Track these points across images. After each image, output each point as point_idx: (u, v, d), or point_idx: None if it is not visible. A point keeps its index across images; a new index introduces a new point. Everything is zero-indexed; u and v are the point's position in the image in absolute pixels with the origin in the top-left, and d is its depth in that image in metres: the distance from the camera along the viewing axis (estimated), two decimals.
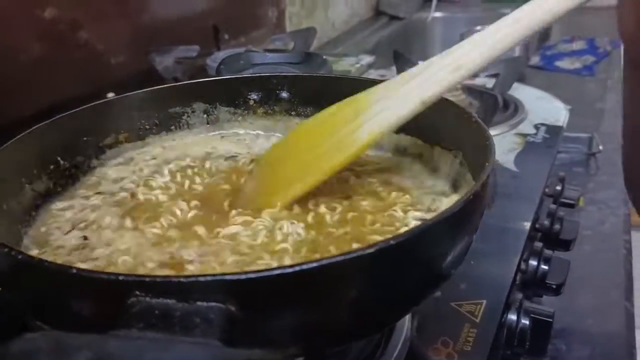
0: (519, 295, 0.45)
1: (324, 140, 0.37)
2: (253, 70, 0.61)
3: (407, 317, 0.40)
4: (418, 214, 0.36)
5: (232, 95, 0.49)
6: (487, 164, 0.31)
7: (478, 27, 1.26)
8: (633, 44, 0.33)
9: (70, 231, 0.36)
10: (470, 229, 0.30)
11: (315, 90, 0.47)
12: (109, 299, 0.23)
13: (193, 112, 0.48)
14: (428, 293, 0.31)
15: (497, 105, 0.64)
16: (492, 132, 0.66)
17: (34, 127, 0.39)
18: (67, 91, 0.71)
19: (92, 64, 0.81)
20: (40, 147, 0.39)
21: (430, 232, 0.26)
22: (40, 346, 0.20)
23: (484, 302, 0.42)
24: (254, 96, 0.49)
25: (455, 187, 0.38)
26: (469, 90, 0.69)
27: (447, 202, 0.37)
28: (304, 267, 0.24)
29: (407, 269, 0.27)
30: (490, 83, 0.78)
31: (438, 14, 1.68)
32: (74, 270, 0.24)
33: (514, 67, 0.77)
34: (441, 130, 0.41)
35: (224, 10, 1.04)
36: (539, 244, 0.50)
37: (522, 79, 0.94)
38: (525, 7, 0.32)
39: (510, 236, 0.50)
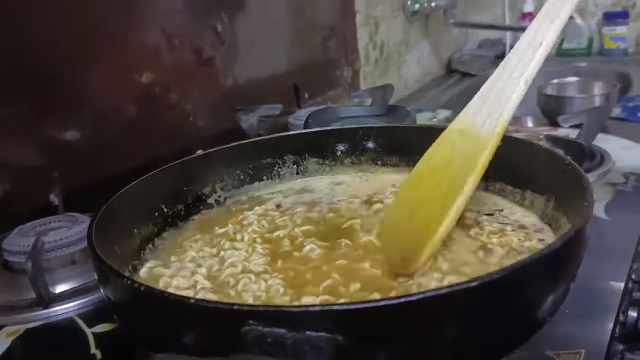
0: (620, 347, 0.43)
1: (446, 171, 0.38)
2: (339, 123, 0.63)
3: None
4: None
5: (321, 147, 0.51)
6: (586, 203, 0.31)
7: (555, 81, 1.25)
8: None
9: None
10: (569, 271, 0.30)
11: (400, 140, 0.49)
12: (224, 327, 0.24)
13: (284, 163, 0.50)
14: (524, 337, 0.30)
15: (583, 153, 0.63)
16: None
17: (141, 178, 0.42)
18: (159, 149, 0.76)
19: (181, 124, 0.87)
20: (146, 195, 0.42)
21: (529, 269, 0.27)
22: None
23: (583, 351, 0.41)
24: (341, 147, 0.51)
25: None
26: (553, 139, 0.69)
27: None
28: (407, 299, 0.24)
29: (504, 307, 0.27)
30: (573, 134, 0.77)
31: None
32: (193, 301, 0.25)
33: (597, 116, 0.76)
34: (533, 175, 0.41)
35: (303, 71, 1.09)
36: (638, 294, 0.48)
37: (605, 131, 0.91)
38: None
39: (607, 286, 0.48)
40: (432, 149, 0.40)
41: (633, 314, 0.46)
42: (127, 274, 0.37)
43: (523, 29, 1.48)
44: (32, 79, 0.66)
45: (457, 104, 1.37)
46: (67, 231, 0.53)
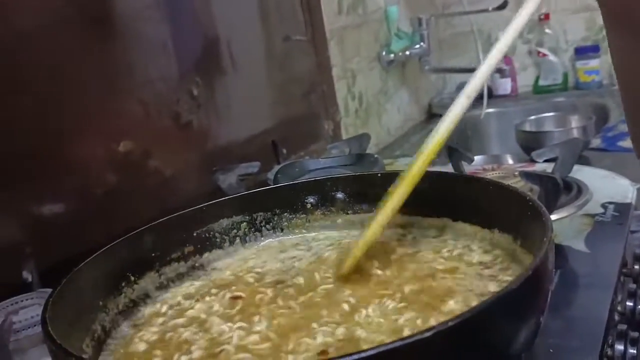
0: None
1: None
2: (309, 176, 0.63)
3: None
4: None
5: (290, 201, 0.50)
6: (545, 239, 0.30)
7: (532, 117, 1.27)
8: None
9: None
10: (535, 307, 0.29)
11: (368, 187, 0.49)
12: None
13: (254, 221, 0.50)
14: None
15: (558, 187, 0.63)
16: (558, 215, 0.65)
17: (102, 249, 0.41)
18: (139, 216, 0.75)
19: (161, 189, 0.87)
20: (111, 266, 0.42)
21: (493, 309, 0.26)
22: None
23: None
24: (311, 200, 0.50)
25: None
26: (527, 175, 0.69)
27: None
28: (372, 352, 0.23)
29: (470, 351, 0.26)
30: (549, 168, 0.77)
31: (491, 110, 1.70)
32: None
33: (571, 148, 0.76)
34: (499, 214, 0.41)
35: (283, 127, 1.10)
36: (623, 327, 0.47)
37: (585, 162, 0.92)
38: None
39: (591, 318, 0.47)
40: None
41: (620, 347, 0.45)
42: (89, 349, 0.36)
43: (497, 71, 1.50)
44: (8, 151, 0.66)
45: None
46: (39, 308, 0.52)
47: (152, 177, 0.86)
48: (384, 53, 1.47)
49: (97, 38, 0.78)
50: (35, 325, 0.50)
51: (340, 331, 0.35)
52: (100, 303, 0.40)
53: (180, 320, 0.40)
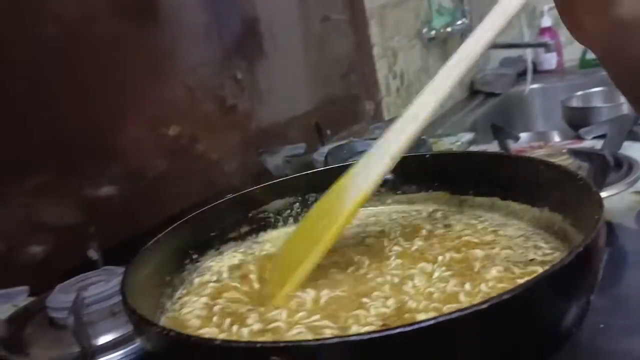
0: None
1: (319, 221, 0.41)
2: (357, 157, 0.64)
3: None
4: None
5: None
6: (596, 216, 0.31)
7: (579, 93, 1.24)
8: None
9: None
10: (583, 285, 0.30)
11: (416, 168, 0.50)
12: None
13: (306, 202, 0.52)
14: (549, 350, 0.30)
15: (607, 165, 0.62)
16: (608, 192, 0.65)
17: (168, 229, 0.44)
18: (188, 199, 0.79)
19: (208, 172, 0.89)
20: (175, 244, 0.44)
21: (544, 284, 0.27)
22: None
23: None
24: None
25: None
26: (576, 153, 0.68)
27: None
28: (422, 325, 0.25)
29: (518, 325, 0.27)
30: (598, 144, 0.77)
31: (535, 86, 1.67)
32: (218, 342, 0.27)
33: (620, 125, 0.75)
34: (548, 192, 0.41)
35: (324, 108, 1.12)
36: None
37: (635, 138, 0.90)
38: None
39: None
40: (322, 197, 0.43)
41: None
42: (161, 321, 0.39)
43: (542, 45, 1.47)
44: (66, 140, 0.70)
45: (483, 125, 1.37)
46: (106, 285, 0.55)
47: (199, 161, 0.89)
48: (425, 30, 1.46)
49: (142, 26, 0.80)
50: (102, 300, 0.54)
51: (391, 302, 0.36)
52: (167, 278, 0.42)
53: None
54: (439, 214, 0.49)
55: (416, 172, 0.50)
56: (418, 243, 0.44)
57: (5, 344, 0.54)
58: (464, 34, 1.58)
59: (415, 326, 0.25)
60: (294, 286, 0.39)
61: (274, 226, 0.51)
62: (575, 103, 1.20)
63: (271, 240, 0.50)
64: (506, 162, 0.46)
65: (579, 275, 0.29)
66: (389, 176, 0.51)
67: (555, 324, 0.29)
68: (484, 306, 0.25)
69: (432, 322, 0.25)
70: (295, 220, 0.52)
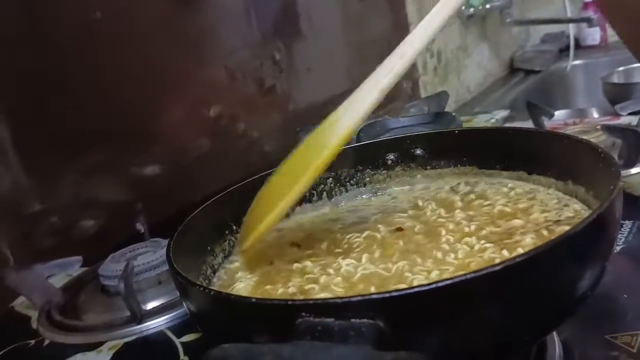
0: None
1: (304, 156, 0.41)
2: (389, 134, 0.66)
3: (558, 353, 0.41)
4: None
5: (372, 158, 0.54)
6: (612, 186, 0.32)
7: (620, 68, 1.22)
8: None
9: None
10: (598, 251, 0.32)
11: (446, 144, 0.52)
12: (281, 320, 0.28)
13: (339, 177, 0.54)
14: (565, 313, 0.32)
15: None
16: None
17: (209, 202, 0.47)
18: (229, 178, 0.82)
19: (248, 151, 0.93)
20: (216, 216, 0.47)
21: (557, 249, 0.29)
22: (232, 354, 0.26)
23: None
24: (391, 157, 0.54)
25: None
26: (610, 129, 0.68)
27: None
28: (440, 284, 0.27)
29: (538, 286, 0.29)
30: (635, 120, 0.76)
31: (577, 62, 1.64)
32: (254, 300, 0.29)
33: None
34: (572, 166, 0.43)
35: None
36: None
37: None
38: None
39: None
40: (310, 134, 0.43)
41: None
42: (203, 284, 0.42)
43: (586, 20, 1.44)
44: (116, 123, 0.74)
45: (522, 103, 1.36)
46: (153, 255, 0.59)
47: (240, 140, 0.92)
48: (462, 7, 1.44)
49: (185, 11, 0.83)
50: (150, 269, 0.58)
51: (435, 275, 0.37)
52: (209, 247, 0.45)
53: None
54: (468, 188, 0.50)
55: (445, 148, 0.51)
56: (459, 215, 0.45)
57: (61, 310, 0.59)
58: (503, 10, 1.56)
59: (433, 285, 0.27)
60: (270, 224, 0.41)
61: (308, 200, 0.53)
62: (616, 79, 1.18)
63: (303, 212, 0.53)
64: (531, 137, 0.47)
65: (592, 243, 0.31)
66: (419, 152, 0.53)
67: (570, 288, 0.31)
68: (498, 268, 0.27)
69: (448, 282, 0.27)
70: (329, 195, 0.54)
